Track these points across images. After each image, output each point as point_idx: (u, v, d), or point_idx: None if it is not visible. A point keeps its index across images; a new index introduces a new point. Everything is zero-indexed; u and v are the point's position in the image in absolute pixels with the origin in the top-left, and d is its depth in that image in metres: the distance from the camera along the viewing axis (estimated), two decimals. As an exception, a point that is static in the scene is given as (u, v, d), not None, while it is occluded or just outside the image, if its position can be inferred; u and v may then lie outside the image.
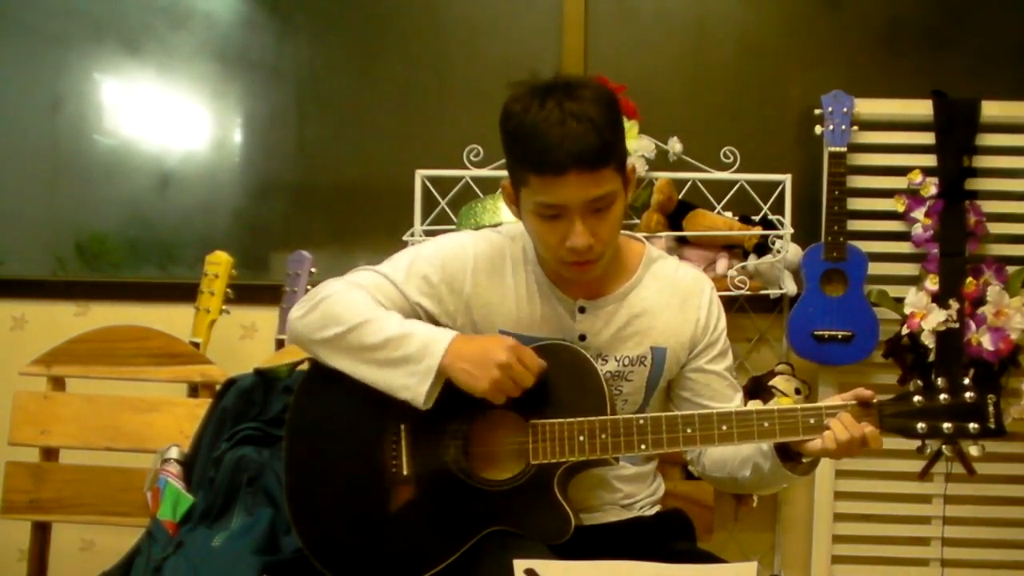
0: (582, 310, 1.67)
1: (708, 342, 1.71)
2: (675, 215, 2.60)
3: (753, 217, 2.62)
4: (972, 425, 1.51)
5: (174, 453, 2.02)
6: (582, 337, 1.67)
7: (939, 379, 1.54)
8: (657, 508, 1.79)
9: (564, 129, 1.47)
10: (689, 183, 2.62)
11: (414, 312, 1.66)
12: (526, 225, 1.62)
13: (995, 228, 2.66)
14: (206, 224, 2.91)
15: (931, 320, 2.53)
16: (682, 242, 2.61)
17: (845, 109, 2.59)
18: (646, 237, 2.02)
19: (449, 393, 1.61)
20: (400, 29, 2.88)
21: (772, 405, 2.07)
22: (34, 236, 2.95)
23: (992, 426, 1.51)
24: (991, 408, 1.51)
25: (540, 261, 1.68)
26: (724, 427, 1.55)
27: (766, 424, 1.54)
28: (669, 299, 1.70)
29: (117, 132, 2.93)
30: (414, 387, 1.55)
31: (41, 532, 2.33)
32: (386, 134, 2.88)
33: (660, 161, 2.62)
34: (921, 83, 2.69)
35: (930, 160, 2.64)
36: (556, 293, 1.67)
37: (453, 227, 2.52)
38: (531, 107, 1.51)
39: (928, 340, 2.53)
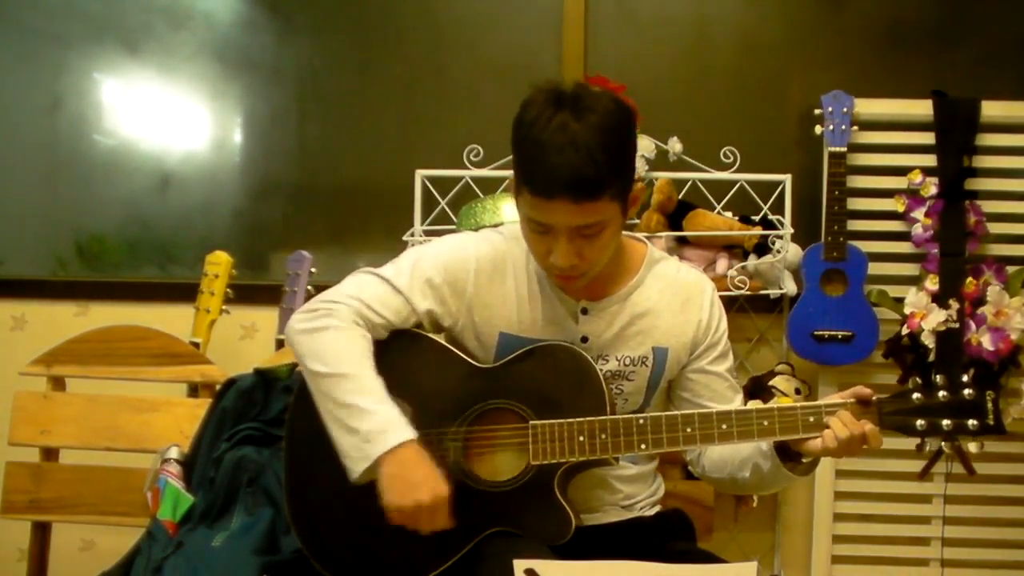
0: (584, 311, 1.67)
1: (709, 343, 1.71)
2: (675, 215, 2.60)
3: (753, 217, 2.62)
4: (971, 422, 1.51)
5: (174, 453, 2.02)
6: (584, 339, 1.67)
7: (938, 376, 1.54)
8: (657, 508, 1.79)
9: (561, 157, 1.46)
10: (689, 183, 2.62)
11: (419, 320, 1.67)
12: (521, 226, 1.62)
13: (995, 228, 2.66)
14: (206, 224, 2.91)
15: (931, 320, 2.53)
16: (682, 242, 2.61)
17: (845, 109, 2.59)
18: (646, 237, 2.02)
19: (449, 394, 1.62)
20: (400, 29, 2.88)
21: (772, 404, 2.07)
22: (34, 236, 2.95)
23: (991, 423, 1.51)
24: (990, 405, 1.51)
25: (541, 263, 1.68)
26: (724, 426, 1.55)
27: (766, 423, 1.54)
28: (671, 300, 1.70)
29: (117, 132, 2.93)
30: (352, 462, 1.53)
31: (41, 532, 2.33)
32: (386, 134, 2.88)
33: (660, 161, 2.62)
34: (921, 83, 2.69)
35: (930, 160, 2.64)
36: (559, 294, 1.67)
37: (453, 227, 2.52)
38: (539, 120, 1.49)
39: (928, 340, 2.53)
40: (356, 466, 1.53)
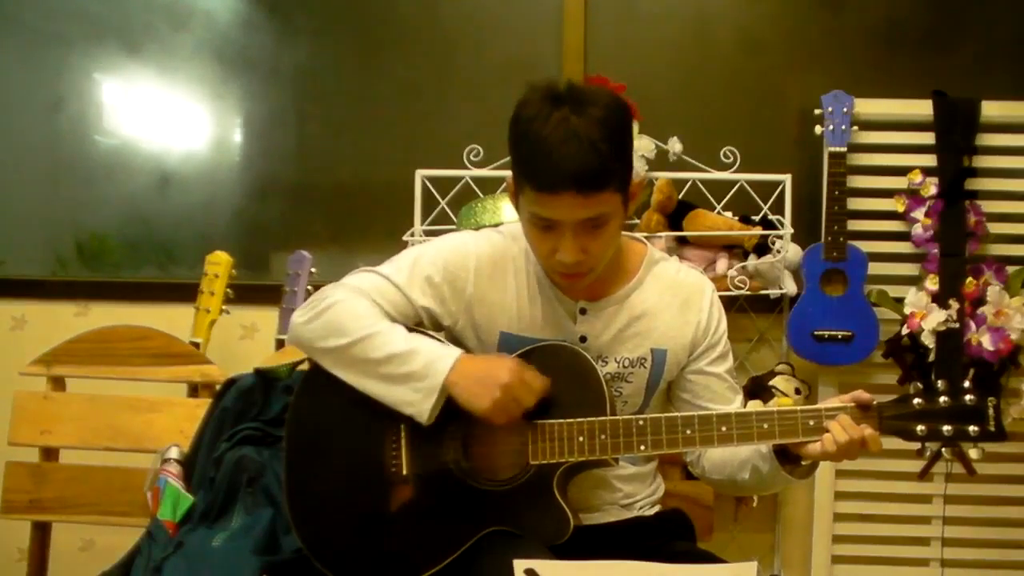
0: (583, 311, 1.67)
1: (708, 344, 1.71)
2: (675, 215, 2.60)
3: (753, 217, 2.62)
4: (972, 428, 1.51)
5: (174, 453, 2.02)
6: (583, 339, 1.67)
7: (939, 381, 1.53)
8: (657, 508, 1.79)
9: (565, 149, 1.46)
10: (689, 183, 2.62)
11: (417, 315, 1.67)
12: (523, 226, 1.62)
13: (995, 228, 2.66)
14: (206, 224, 2.91)
15: (931, 320, 2.53)
16: (682, 242, 2.61)
17: (845, 109, 2.59)
18: (646, 237, 2.02)
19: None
20: (400, 29, 2.88)
21: (771, 406, 2.07)
22: (34, 236, 2.95)
23: (992, 429, 1.51)
24: (991, 411, 1.50)
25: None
26: (723, 428, 1.55)
27: (765, 426, 1.54)
28: (670, 301, 1.70)
29: (117, 132, 2.93)
30: (418, 403, 1.55)
31: (41, 532, 2.33)
32: (386, 134, 2.88)
33: (660, 161, 2.62)
34: (921, 83, 2.69)
35: (930, 160, 2.64)
36: (557, 294, 1.67)
37: (453, 227, 2.52)
38: (539, 117, 1.49)
39: (928, 340, 2.53)
40: (424, 405, 1.54)
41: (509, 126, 1.56)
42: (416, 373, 1.55)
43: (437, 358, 1.56)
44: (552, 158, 1.47)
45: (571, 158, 1.46)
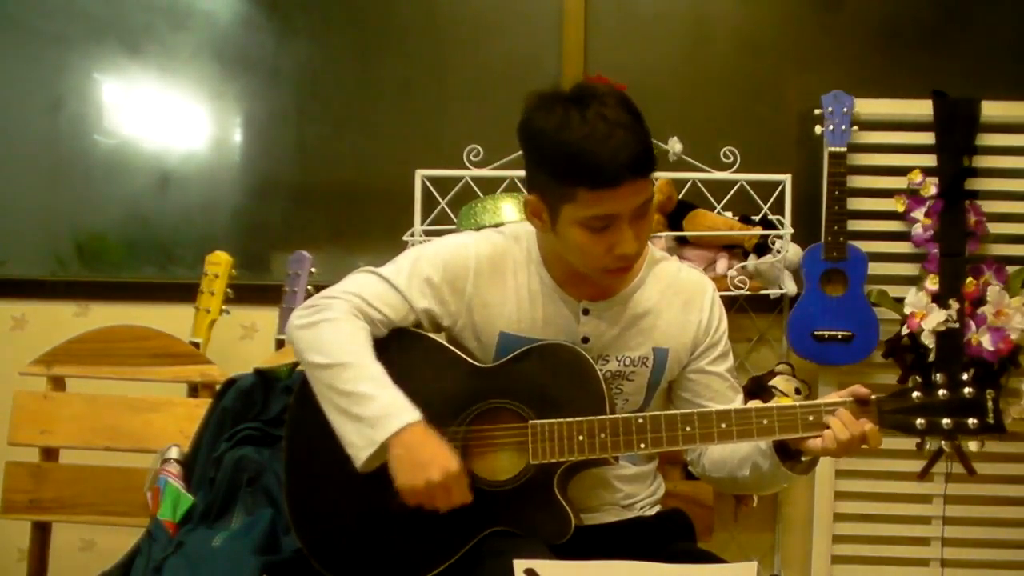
0: (586, 312, 1.67)
1: (709, 343, 1.71)
2: (675, 215, 2.60)
3: (753, 217, 2.62)
4: (971, 421, 1.51)
5: (174, 453, 2.02)
6: (585, 339, 1.67)
7: (938, 375, 1.53)
8: (657, 508, 1.79)
9: (615, 141, 1.47)
10: (689, 183, 2.62)
11: (417, 318, 1.67)
12: (564, 239, 1.58)
13: (995, 228, 2.66)
14: (206, 224, 2.91)
15: (931, 320, 2.53)
16: (682, 242, 2.61)
17: (845, 109, 2.59)
18: (646, 237, 2.02)
19: (449, 393, 1.62)
20: (400, 29, 2.88)
21: (771, 404, 2.06)
22: (34, 236, 2.95)
23: (991, 421, 1.51)
24: (990, 404, 1.50)
25: (546, 263, 1.68)
26: (723, 425, 1.55)
27: (765, 422, 1.54)
28: (671, 300, 1.70)
29: (117, 132, 2.93)
30: (356, 448, 1.53)
31: (41, 532, 2.33)
32: (386, 134, 2.88)
33: (660, 161, 2.58)
34: (921, 83, 2.69)
35: (930, 160, 2.64)
36: (561, 295, 1.67)
37: (453, 227, 2.52)
38: (570, 122, 1.49)
39: (928, 340, 2.53)
40: (361, 453, 1.53)
41: (527, 145, 1.56)
42: (368, 419, 1.53)
43: (390, 415, 1.53)
44: (607, 154, 1.47)
45: (623, 147, 1.47)
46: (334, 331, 1.61)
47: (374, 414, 1.53)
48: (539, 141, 1.53)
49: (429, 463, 1.51)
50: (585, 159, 1.48)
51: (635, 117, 1.52)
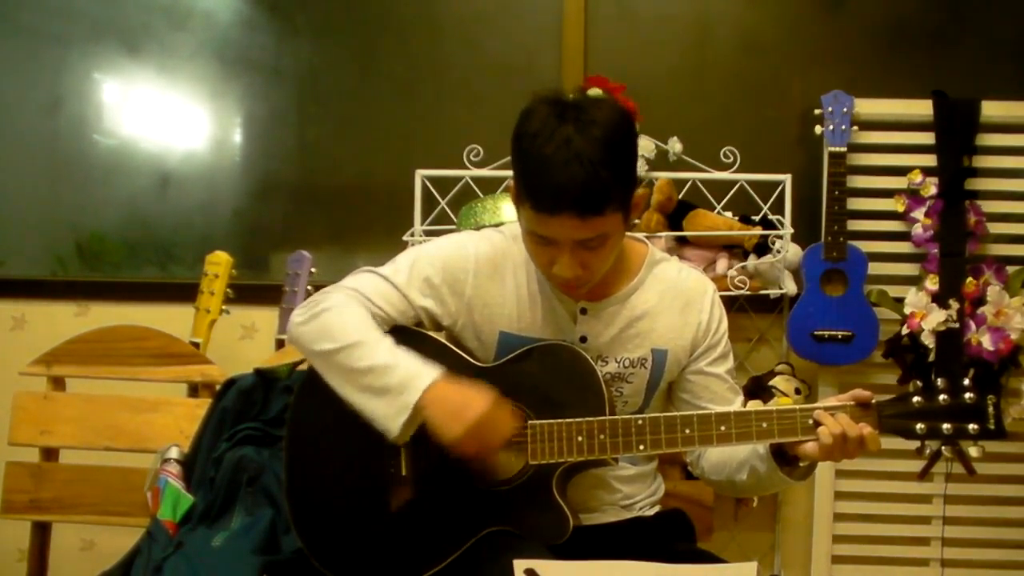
0: (583, 312, 1.67)
1: (709, 344, 1.71)
2: (675, 215, 2.60)
3: (753, 217, 2.62)
4: (972, 426, 1.50)
5: (174, 453, 2.02)
6: (583, 339, 1.67)
7: (939, 380, 1.53)
8: (657, 508, 1.79)
9: (567, 171, 1.44)
10: (689, 183, 2.62)
11: (417, 316, 1.67)
12: (522, 235, 1.61)
13: (995, 228, 2.66)
14: (206, 224, 2.91)
15: (931, 320, 2.53)
16: (682, 242, 2.61)
17: (845, 109, 2.59)
18: (646, 237, 2.02)
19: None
20: (400, 29, 2.88)
21: (771, 406, 2.06)
22: (34, 236, 2.95)
23: (992, 427, 1.50)
24: (991, 409, 1.50)
25: (541, 264, 1.68)
26: (722, 428, 1.55)
27: (764, 425, 1.54)
28: (671, 301, 1.70)
29: (117, 132, 2.93)
30: (389, 419, 1.53)
31: (41, 532, 2.33)
32: (386, 134, 2.88)
33: (660, 161, 2.62)
34: (921, 83, 2.69)
35: (930, 160, 2.64)
36: (558, 295, 1.67)
37: (453, 227, 2.52)
38: (542, 133, 1.47)
39: (928, 340, 2.53)
40: (394, 423, 1.52)
41: (512, 137, 1.55)
42: (392, 388, 1.53)
43: (415, 376, 1.53)
44: (553, 180, 1.45)
45: (572, 181, 1.44)
46: (338, 316, 1.61)
47: (399, 381, 1.53)
48: (517, 139, 1.53)
49: (465, 406, 1.51)
50: (534, 179, 1.48)
51: (611, 155, 1.46)
